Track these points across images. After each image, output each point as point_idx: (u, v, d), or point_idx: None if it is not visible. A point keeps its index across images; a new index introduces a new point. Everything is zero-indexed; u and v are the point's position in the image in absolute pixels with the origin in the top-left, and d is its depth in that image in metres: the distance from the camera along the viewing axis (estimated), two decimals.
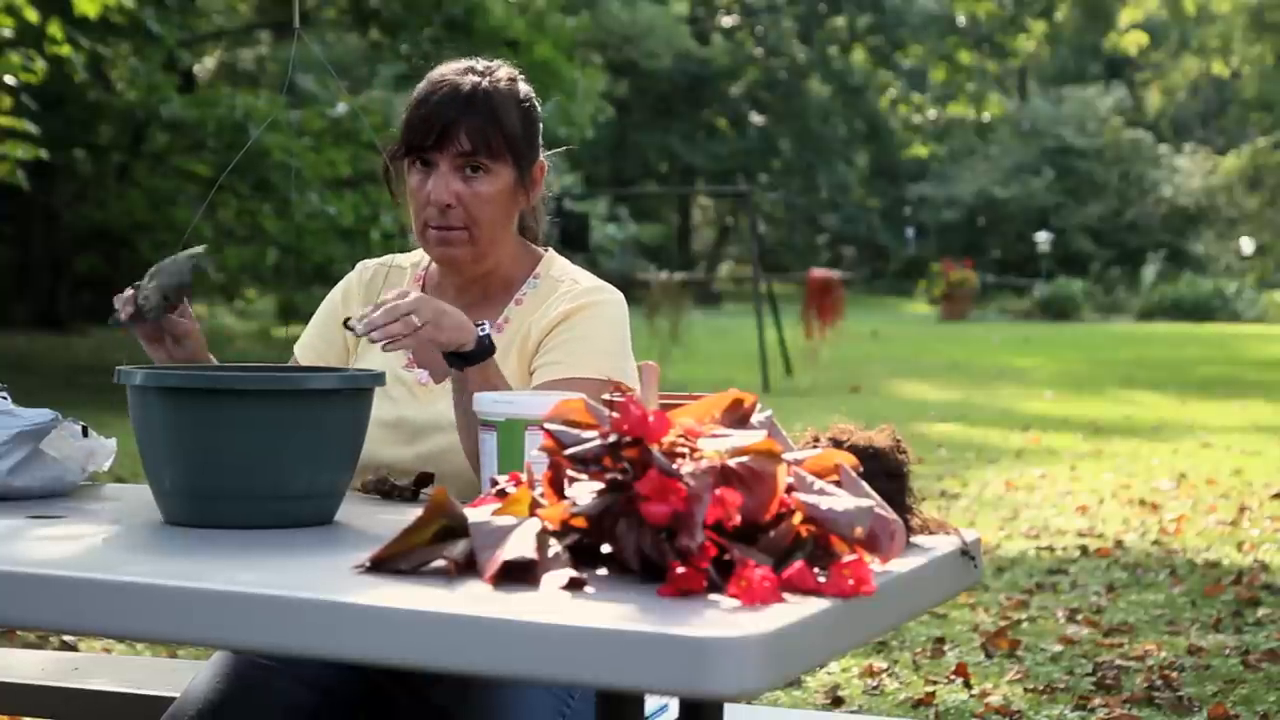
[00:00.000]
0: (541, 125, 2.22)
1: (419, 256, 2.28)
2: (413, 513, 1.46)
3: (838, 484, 1.46)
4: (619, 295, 2.17)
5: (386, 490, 1.99)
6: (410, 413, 2.11)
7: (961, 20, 33.52)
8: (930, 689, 3.90)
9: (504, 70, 2.18)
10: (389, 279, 2.27)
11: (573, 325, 2.12)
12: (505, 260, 2.20)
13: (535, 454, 1.63)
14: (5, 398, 2.01)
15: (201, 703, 1.92)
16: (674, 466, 1.37)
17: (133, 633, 1.47)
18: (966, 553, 1.65)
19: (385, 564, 1.42)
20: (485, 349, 1.92)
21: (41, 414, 1.97)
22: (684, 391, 1.80)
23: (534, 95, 2.21)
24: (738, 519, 1.36)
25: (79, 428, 2.01)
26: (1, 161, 10.84)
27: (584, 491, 1.41)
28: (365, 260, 2.34)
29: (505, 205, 2.14)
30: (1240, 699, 3.82)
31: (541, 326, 2.13)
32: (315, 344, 2.27)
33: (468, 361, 1.91)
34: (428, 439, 2.09)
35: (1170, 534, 6.25)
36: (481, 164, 2.10)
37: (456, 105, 2.09)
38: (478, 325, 1.93)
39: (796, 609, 1.28)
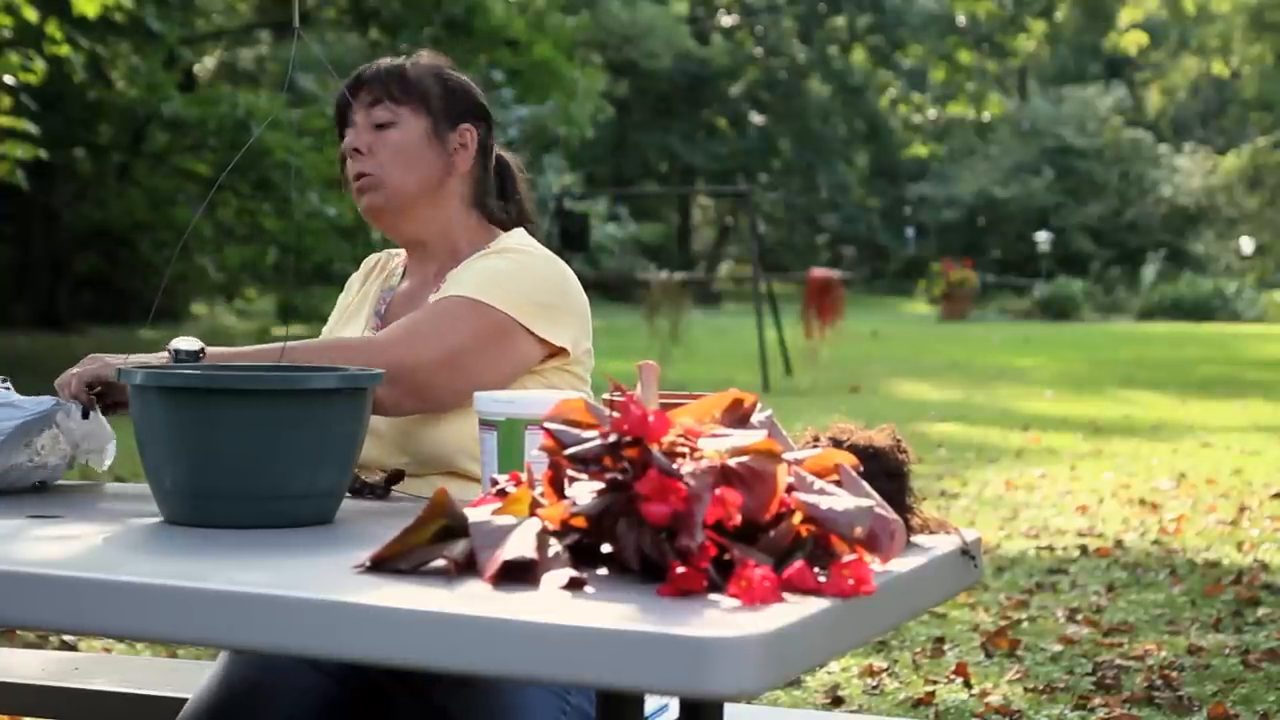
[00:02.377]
0: (475, 106, 2.26)
1: None
2: (412, 513, 1.46)
3: (838, 484, 1.46)
4: (552, 257, 2.17)
5: (356, 489, 1.99)
6: None
7: (961, 20, 33.57)
8: (930, 689, 3.90)
9: (430, 56, 2.28)
10: (385, 265, 2.37)
11: (481, 260, 2.16)
12: (448, 230, 2.23)
13: (535, 454, 1.63)
14: (8, 387, 2.01)
15: (208, 705, 1.92)
16: (674, 466, 1.37)
17: (133, 633, 1.47)
18: (967, 552, 1.65)
19: (385, 564, 1.42)
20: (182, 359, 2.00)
21: (42, 401, 1.97)
22: (684, 391, 1.80)
23: (463, 80, 2.27)
24: (738, 519, 1.36)
25: (79, 410, 2.01)
26: (1, 161, 10.84)
27: (584, 491, 1.41)
28: (372, 254, 2.44)
29: (416, 154, 2.19)
30: (1240, 699, 3.82)
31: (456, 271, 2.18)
32: (335, 319, 2.38)
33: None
34: None
35: (1170, 534, 6.25)
36: (389, 112, 2.19)
37: (366, 71, 2.24)
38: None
39: (796, 609, 1.28)
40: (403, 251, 2.35)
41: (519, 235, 2.24)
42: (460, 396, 2.06)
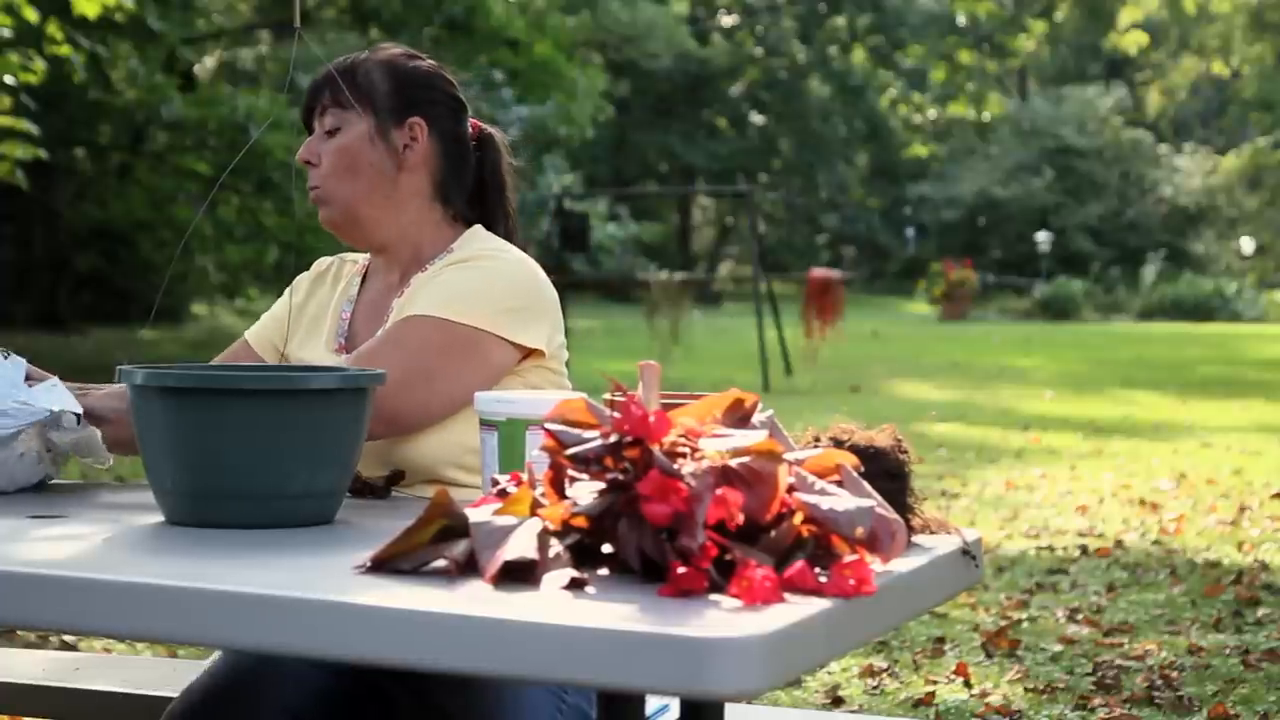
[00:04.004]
0: (434, 94, 2.19)
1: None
2: (413, 513, 1.46)
3: (839, 484, 1.46)
4: (518, 255, 2.12)
5: (358, 489, 1.98)
6: None
7: (961, 20, 33.56)
8: (930, 689, 3.90)
9: (392, 48, 2.23)
10: (340, 272, 2.30)
11: (442, 273, 2.11)
12: (407, 232, 2.18)
13: (536, 454, 1.63)
14: (6, 356, 2.01)
15: (200, 702, 1.91)
16: (675, 466, 1.37)
17: (133, 633, 1.47)
18: (967, 552, 1.65)
19: (386, 564, 1.42)
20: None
21: (36, 413, 1.96)
22: (685, 391, 1.80)
23: (424, 68, 2.20)
24: (739, 519, 1.36)
25: (74, 417, 2.00)
26: (1, 161, 10.83)
27: (585, 491, 1.41)
28: (323, 257, 2.37)
29: (358, 156, 2.14)
30: (1240, 699, 3.82)
31: (422, 281, 2.13)
32: (258, 330, 2.32)
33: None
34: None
35: (1170, 534, 6.25)
36: (335, 119, 2.15)
37: (320, 79, 2.18)
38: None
39: (797, 609, 1.28)
40: (359, 257, 2.30)
41: (480, 235, 2.18)
42: (435, 415, 2.04)
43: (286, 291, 2.33)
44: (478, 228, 2.20)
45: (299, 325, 2.28)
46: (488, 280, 2.07)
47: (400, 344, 2.03)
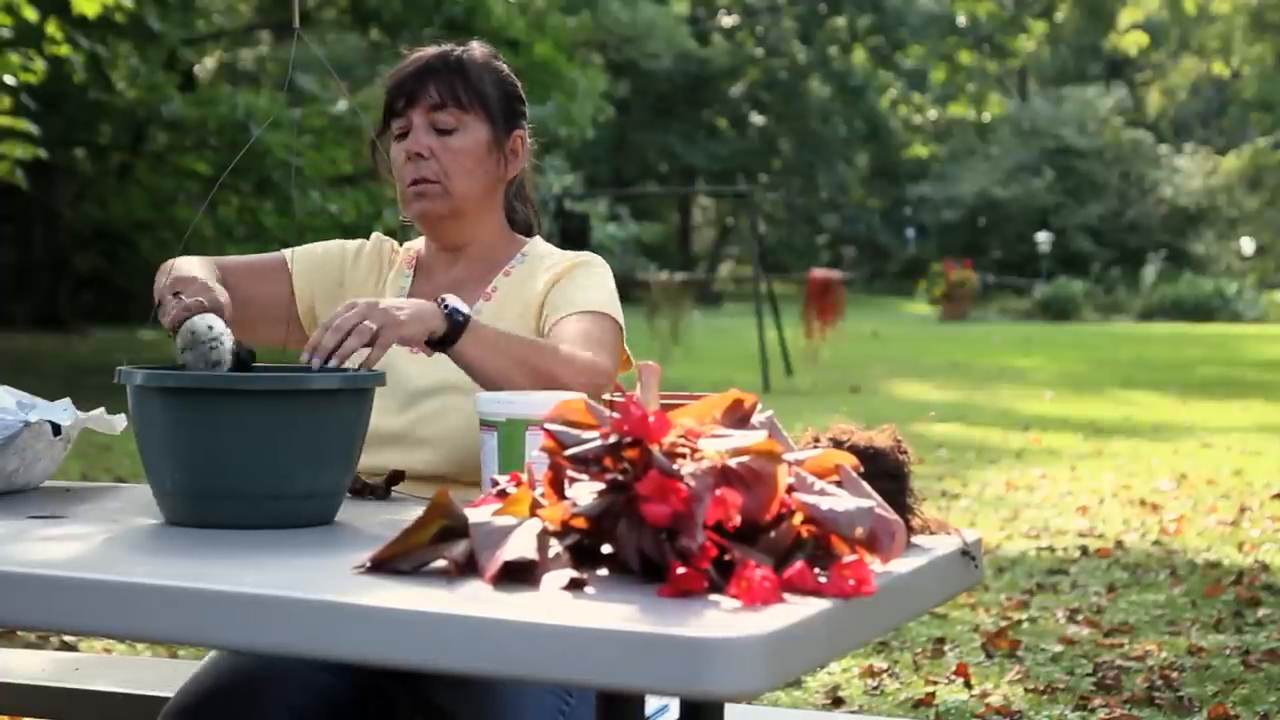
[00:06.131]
0: (523, 106, 2.27)
1: (419, 244, 2.33)
2: (413, 513, 1.46)
3: (838, 484, 1.46)
4: (600, 259, 2.24)
5: (358, 489, 1.98)
6: (402, 377, 2.13)
7: (961, 20, 33.55)
8: (930, 689, 3.90)
9: (480, 48, 2.26)
10: (390, 258, 2.32)
11: (567, 277, 2.19)
12: (487, 235, 2.25)
13: (536, 454, 1.63)
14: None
15: (203, 699, 1.91)
16: (675, 467, 1.37)
17: (133, 633, 1.47)
18: (967, 553, 1.65)
19: (386, 564, 1.42)
20: (458, 323, 1.92)
21: (8, 425, 1.94)
22: (684, 392, 1.80)
23: (512, 75, 2.28)
24: (738, 519, 1.36)
25: (49, 428, 1.99)
26: (1, 161, 10.82)
27: (585, 492, 1.41)
28: (383, 235, 2.37)
29: (479, 162, 2.20)
30: (1240, 699, 3.81)
31: (538, 292, 2.18)
32: (311, 259, 2.30)
33: (446, 343, 1.92)
34: (419, 404, 2.12)
35: (1170, 534, 6.24)
36: (453, 118, 2.17)
37: (427, 65, 2.20)
38: (439, 302, 1.93)
39: (797, 609, 1.28)
40: (409, 245, 2.32)
41: (550, 247, 2.27)
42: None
43: (340, 253, 2.32)
44: (539, 239, 2.30)
45: (340, 289, 2.29)
46: (605, 281, 2.19)
47: (601, 334, 2.10)
